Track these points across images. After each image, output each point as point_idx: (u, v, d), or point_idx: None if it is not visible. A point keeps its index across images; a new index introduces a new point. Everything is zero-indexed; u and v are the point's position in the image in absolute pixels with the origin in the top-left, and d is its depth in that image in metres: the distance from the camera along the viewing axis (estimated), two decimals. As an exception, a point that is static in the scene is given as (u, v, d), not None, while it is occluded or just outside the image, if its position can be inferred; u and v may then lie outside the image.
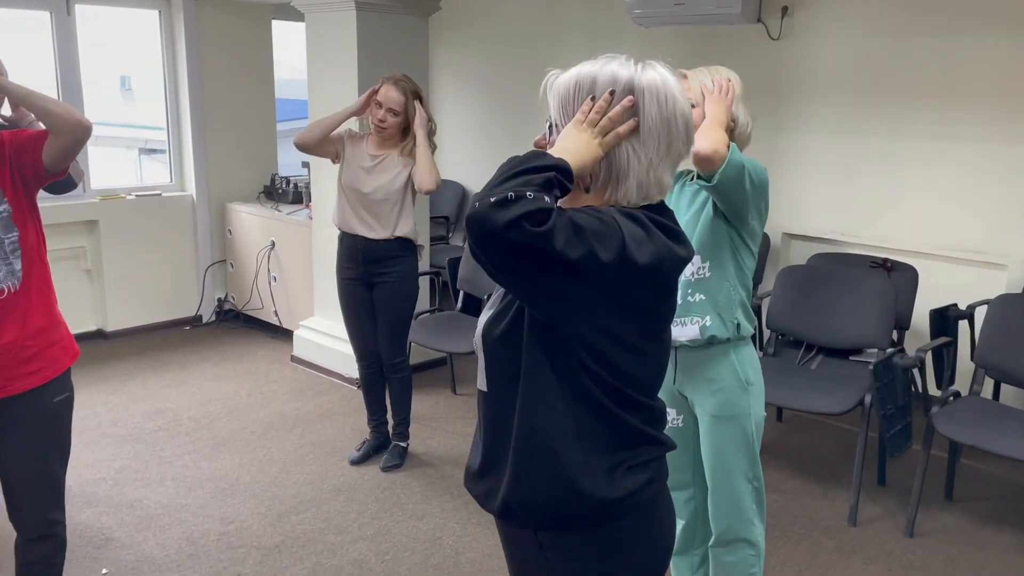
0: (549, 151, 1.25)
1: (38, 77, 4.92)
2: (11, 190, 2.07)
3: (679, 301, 2.20)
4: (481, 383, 1.38)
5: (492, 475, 1.36)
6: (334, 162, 3.48)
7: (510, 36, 5.62)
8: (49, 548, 2.26)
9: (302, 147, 3.46)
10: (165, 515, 3.17)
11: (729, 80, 2.17)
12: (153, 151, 7.85)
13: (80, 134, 2.06)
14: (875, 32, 4.15)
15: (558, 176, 1.18)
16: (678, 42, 4.72)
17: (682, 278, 2.18)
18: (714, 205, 2.15)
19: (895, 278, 3.83)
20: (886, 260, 3.95)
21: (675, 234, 1.29)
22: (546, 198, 1.14)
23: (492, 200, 1.12)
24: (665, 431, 1.42)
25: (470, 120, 6.08)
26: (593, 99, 1.27)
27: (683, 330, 2.21)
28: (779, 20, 4.39)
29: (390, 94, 3.30)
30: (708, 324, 2.19)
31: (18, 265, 2.07)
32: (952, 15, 3.91)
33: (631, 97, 1.27)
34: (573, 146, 1.25)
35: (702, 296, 2.19)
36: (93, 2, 4.92)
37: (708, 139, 1.98)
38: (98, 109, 6.13)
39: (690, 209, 2.23)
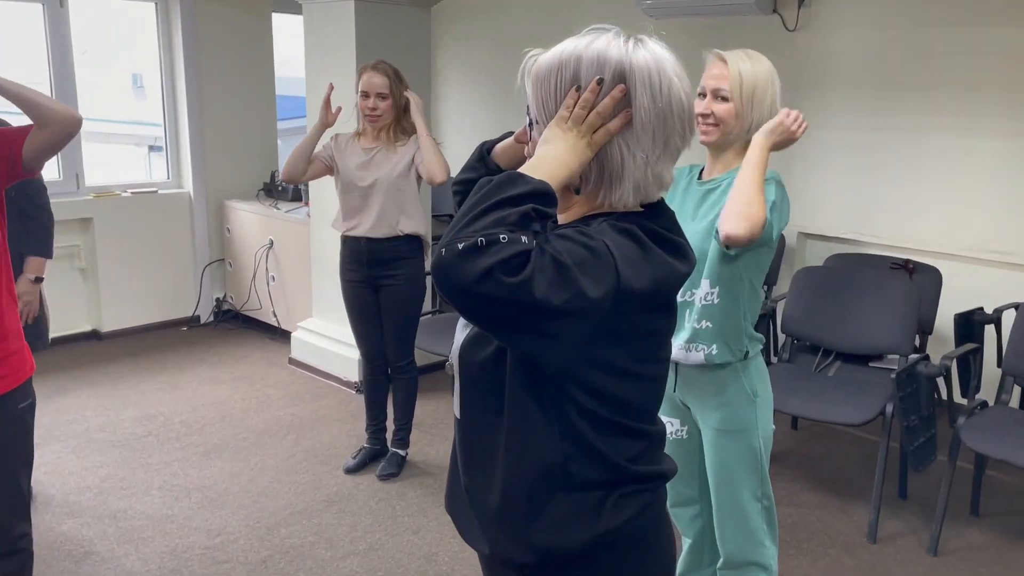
0: (528, 164, 1.07)
1: (30, 71, 4.80)
2: None
3: (685, 326, 2.04)
4: (456, 409, 1.22)
5: (472, 509, 1.21)
6: (332, 175, 3.35)
7: (516, 27, 5.46)
8: (16, 564, 2.12)
9: (291, 180, 3.36)
10: (149, 527, 3.03)
11: (799, 118, 1.95)
12: (162, 148, 7.79)
13: (71, 126, 1.97)
14: (896, 22, 3.97)
15: (537, 208, 0.99)
16: (690, 34, 4.54)
17: (690, 302, 2.02)
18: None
19: (917, 280, 3.64)
20: (908, 261, 3.77)
21: (676, 247, 1.11)
22: (523, 238, 0.96)
23: (460, 247, 0.94)
24: (666, 447, 1.26)
25: (475, 114, 5.92)
26: (578, 89, 1.08)
27: (687, 355, 2.04)
28: (795, 10, 4.22)
29: (373, 80, 3.19)
30: (714, 353, 2.02)
31: None
32: (976, 4, 3.72)
33: (622, 86, 1.08)
34: (557, 153, 1.07)
35: (709, 324, 2.02)
36: (87, -6, 4.80)
37: (745, 218, 1.81)
38: (108, 106, 6.03)
39: (699, 218, 2.04)
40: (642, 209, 1.14)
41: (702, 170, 2.12)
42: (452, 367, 1.22)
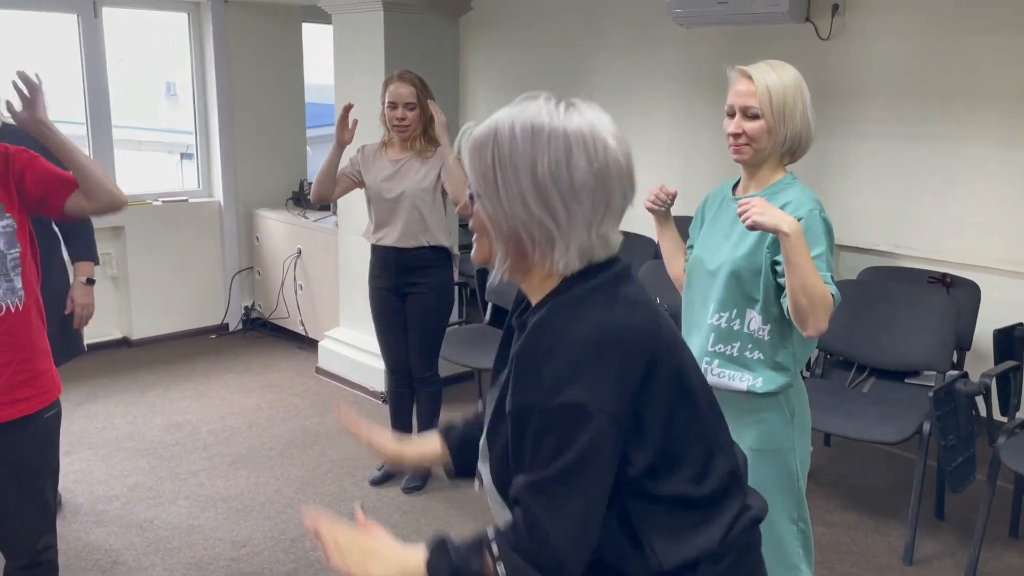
0: None
1: (65, 80, 4.86)
2: (14, 207, 1.96)
3: (735, 353, 1.98)
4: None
5: None
6: (362, 187, 3.35)
7: (545, 37, 5.44)
8: (40, 575, 2.13)
9: (322, 200, 3.40)
10: (176, 537, 3.03)
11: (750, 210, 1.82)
12: (193, 156, 7.89)
13: (113, 207, 2.01)
14: (932, 31, 3.89)
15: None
16: (721, 43, 4.50)
17: (739, 331, 1.97)
18: (773, 269, 1.91)
19: (955, 294, 3.55)
20: (945, 275, 3.68)
21: (634, 309, 1.12)
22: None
23: None
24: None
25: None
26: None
27: (729, 381, 1.99)
28: (829, 19, 4.14)
29: (400, 90, 3.18)
30: (759, 384, 1.98)
31: (19, 283, 1.95)
32: (1014, 12, 3.63)
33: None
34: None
35: (760, 355, 1.97)
36: (120, 5, 4.85)
37: (816, 320, 1.82)
38: (141, 113, 6.10)
39: (733, 236, 1.98)
40: (591, 267, 1.14)
41: (735, 185, 2.08)
42: (490, 493, 1.23)
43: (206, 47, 5.14)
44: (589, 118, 1.11)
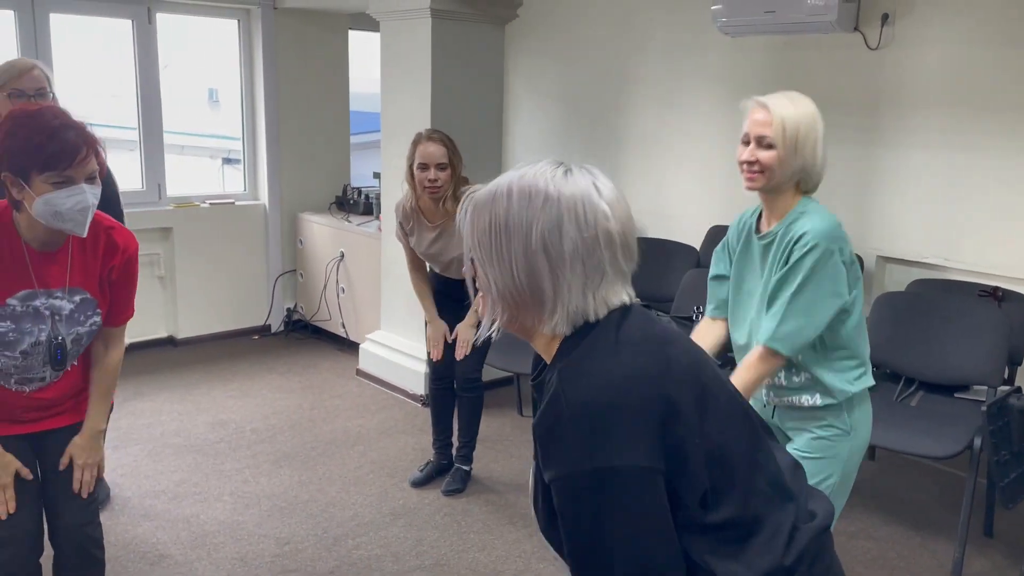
0: None
1: (119, 84, 4.99)
2: (105, 304, 2.00)
3: (783, 382, 2.01)
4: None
5: None
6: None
7: (589, 45, 5.46)
8: (89, 568, 2.18)
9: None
10: (220, 532, 3.08)
11: None
12: (235, 161, 8.03)
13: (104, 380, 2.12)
14: (984, 40, 3.83)
15: None
16: (767, 52, 4.47)
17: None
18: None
19: (1006, 308, 3.48)
20: (996, 288, 3.61)
21: (637, 350, 1.11)
22: None
23: None
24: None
25: (545, 131, 5.92)
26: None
27: (791, 401, 2.03)
28: (879, 28, 4.10)
29: (430, 149, 3.15)
30: (818, 402, 2.00)
31: (79, 352, 2.04)
32: (1076, 22, 3.57)
33: None
34: None
35: (808, 376, 2.00)
36: (174, 11, 4.97)
37: (744, 381, 1.91)
38: (185, 119, 6.25)
39: (767, 272, 2.00)
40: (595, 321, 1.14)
41: (760, 216, 2.08)
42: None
43: (255, 53, 5.24)
44: (584, 186, 1.11)
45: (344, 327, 5.16)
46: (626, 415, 1.05)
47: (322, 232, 5.29)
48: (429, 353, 3.49)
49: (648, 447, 1.05)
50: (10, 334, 1.87)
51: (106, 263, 1.97)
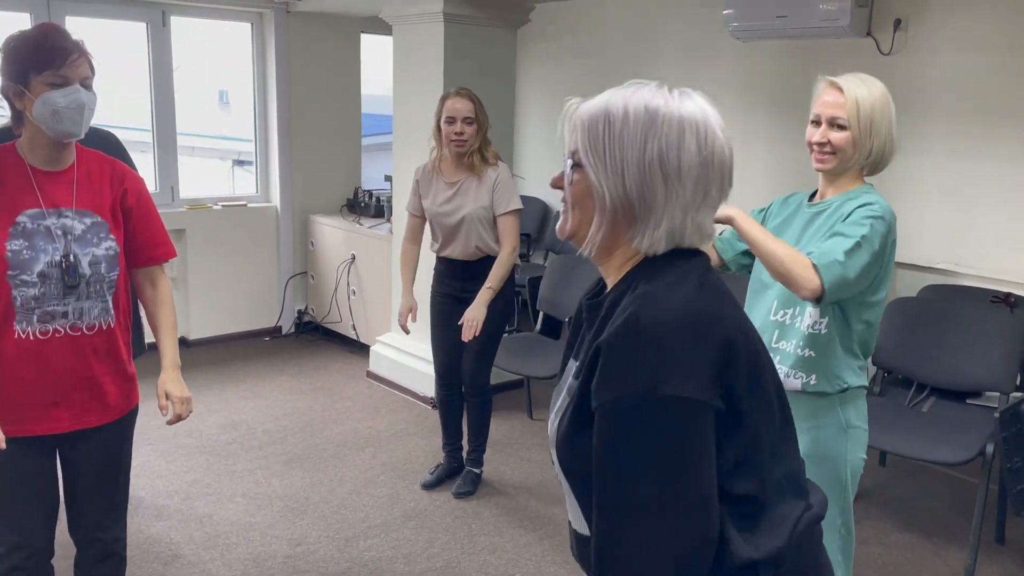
0: None
1: (133, 86, 5.02)
2: (119, 229, 2.04)
3: (788, 352, 1.99)
4: (580, 526, 1.18)
5: None
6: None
7: (601, 50, 5.47)
8: (109, 568, 2.20)
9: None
10: (233, 533, 3.10)
11: None
12: (246, 163, 8.07)
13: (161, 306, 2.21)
14: (996, 47, 3.82)
15: None
16: (779, 57, 4.47)
17: (793, 327, 1.98)
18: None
19: (1019, 315, 3.48)
20: (1008, 294, 3.61)
21: (721, 298, 1.12)
22: None
23: None
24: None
25: (555, 136, 5.93)
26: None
27: (784, 381, 1.99)
28: (891, 34, 4.10)
29: (458, 105, 3.23)
30: (813, 383, 1.98)
31: (111, 303, 2.03)
32: (1090, 28, 3.56)
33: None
34: None
35: (812, 353, 1.97)
36: (188, 15, 5.00)
37: (800, 281, 1.80)
38: (195, 120, 6.28)
39: (804, 240, 1.99)
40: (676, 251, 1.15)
41: (813, 194, 2.08)
42: (558, 477, 1.20)
43: (268, 56, 5.27)
44: (702, 106, 1.13)
45: (355, 329, 5.18)
46: (699, 348, 1.04)
47: (333, 234, 5.31)
48: (433, 356, 3.51)
49: (711, 385, 1.04)
50: (24, 252, 1.89)
51: (115, 189, 2.03)
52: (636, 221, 1.12)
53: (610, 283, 1.18)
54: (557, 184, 1.20)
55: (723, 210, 1.81)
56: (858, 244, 1.83)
